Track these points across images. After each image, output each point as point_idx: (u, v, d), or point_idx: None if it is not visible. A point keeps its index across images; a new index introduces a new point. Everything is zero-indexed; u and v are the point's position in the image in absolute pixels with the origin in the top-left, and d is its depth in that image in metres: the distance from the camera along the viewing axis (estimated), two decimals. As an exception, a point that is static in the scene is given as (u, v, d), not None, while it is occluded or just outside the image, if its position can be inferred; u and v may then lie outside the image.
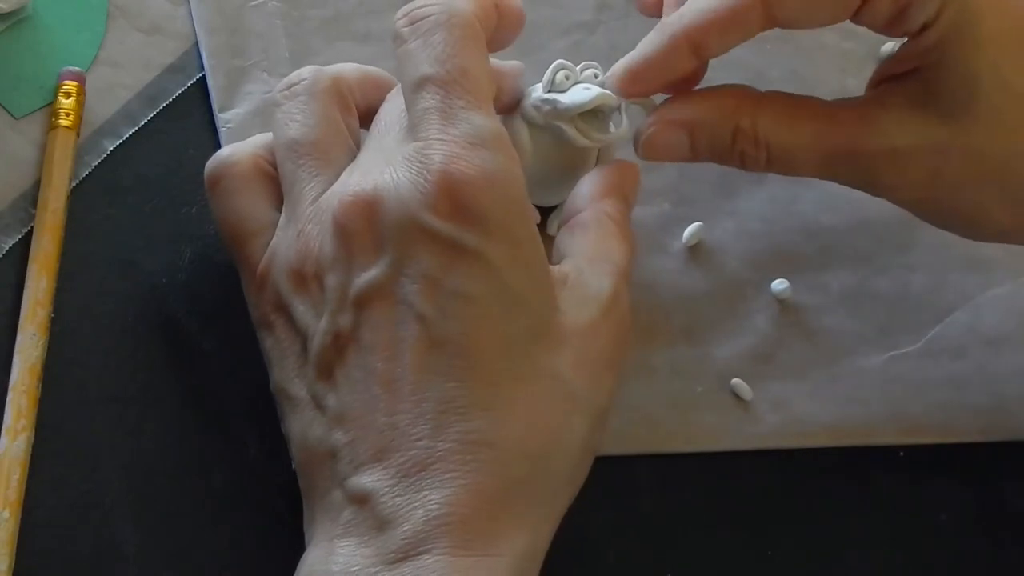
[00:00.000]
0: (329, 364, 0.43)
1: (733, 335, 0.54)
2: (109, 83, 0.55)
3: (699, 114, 0.48)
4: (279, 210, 0.47)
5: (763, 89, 0.50)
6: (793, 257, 0.55)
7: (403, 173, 0.43)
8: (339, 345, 0.43)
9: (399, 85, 0.46)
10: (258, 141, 0.49)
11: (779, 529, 0.52)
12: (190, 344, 0.52)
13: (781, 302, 0.55)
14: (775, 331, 0.54)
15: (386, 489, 0.41)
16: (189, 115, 0.55)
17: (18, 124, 0.54)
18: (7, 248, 0.52)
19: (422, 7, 0.45)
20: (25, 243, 0.52)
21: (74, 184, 0.53)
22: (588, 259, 0.46)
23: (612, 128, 0.50)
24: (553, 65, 0.49)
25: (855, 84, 0.52)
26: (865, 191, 0.50)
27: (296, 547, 0.50)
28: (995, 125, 0.47)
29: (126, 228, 0.53)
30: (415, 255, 0.42)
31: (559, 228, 0.49)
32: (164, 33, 0.56)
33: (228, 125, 0.54)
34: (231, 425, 0.51)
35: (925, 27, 0.46)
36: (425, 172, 0.42)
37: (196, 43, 0.56)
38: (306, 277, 0.44)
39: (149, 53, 0.55)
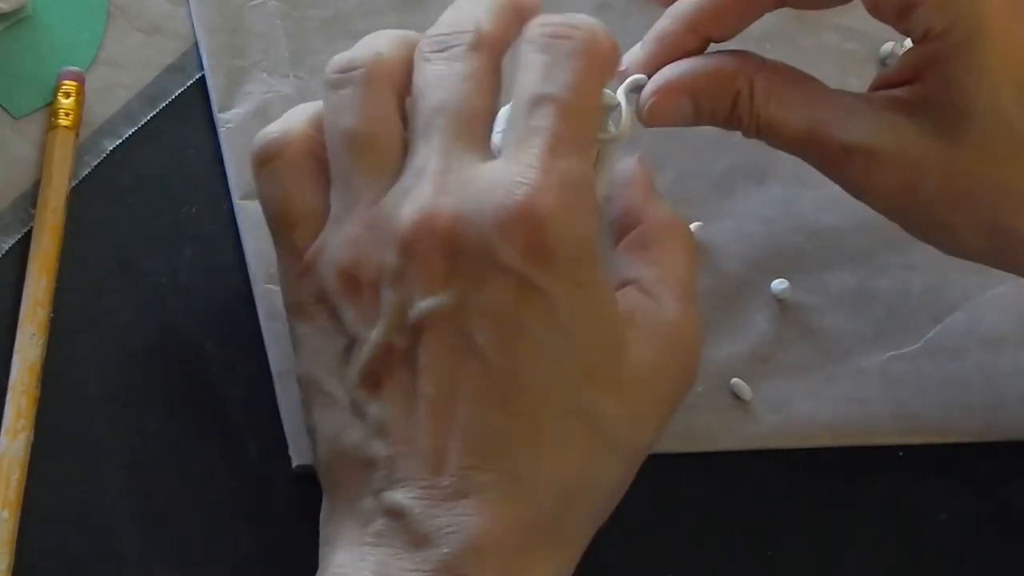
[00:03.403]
0: (377, 375, 0.43)
1: (733, 335, 0.54)
2: (109, 83, 0.55)
3: (701, 82, 0.48)
4: (327, 194, 0.46)
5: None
6: (793, 257, 0.55)
7: (487, 196, 0.42)
8: (390, 360, 0.43)
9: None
10: (307, 116, 0.47)
11: (779, 529, 0.52)
12: (190, 344, 0.52)
13: (781, 302, 0.55)
14: (775, 331, 0.54)
15: (424, 509, 0.41)
16: (189, 115, 0.55)
17: (18, 124, 0.54)
18: (7, 248, 0.52)
19: (569, 27, 0.44)
20: (25, 243, 0.52)
21: (74, 184, 0.53)
22: (656, 281, 0.46)
23: (612, 127, 0.50)
24: None
25: (856, 84, 0.52)
26: (839, 184, 0.49)
27: (296, 547, 0.50)
28: (982, 154, 0.46)
29: (126, 228, 0.53)
30: (484, 286, 0.41)
31: (616, 246, 0.48)
32: (164, 33, 0.56)
33: (228, 125, 0.54)
34: (231, 425, 0.51)
35: (928, 35, 0.46)
36: (512, 201, 0.41)
37: (196, 43, 0.56)
38: (360, 283, 0.43)
39: (149, 53, 0.55)
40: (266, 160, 0.46)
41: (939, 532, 0.53)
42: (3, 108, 0.54)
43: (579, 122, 0.43)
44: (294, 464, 0.51)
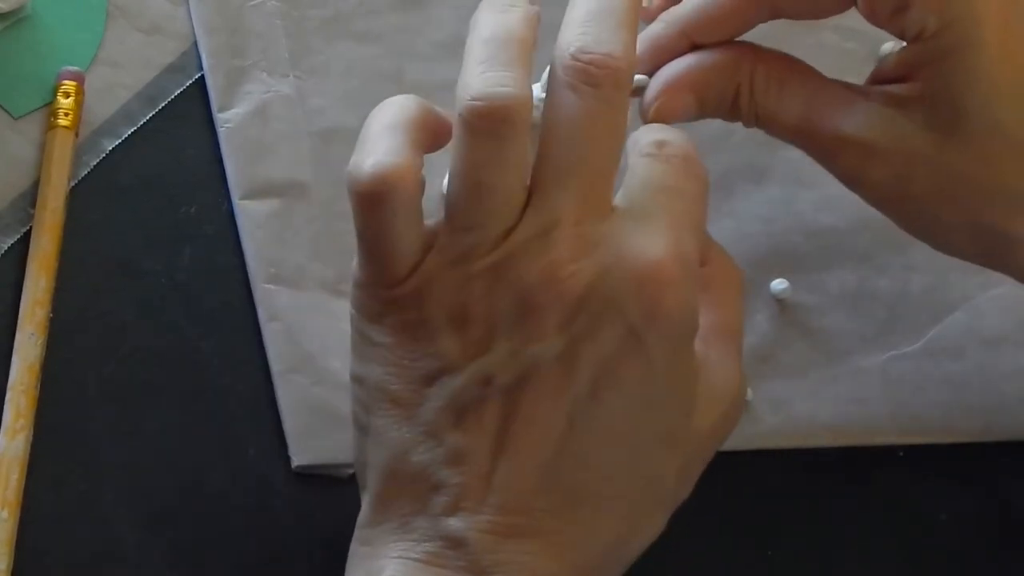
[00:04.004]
0: (465, 407, 0.42)
1: (733, 335, 0.54)
2: (108, 83, 0.55)
3: (704, 77, 0.48)
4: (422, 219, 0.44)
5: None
6: (793, 257, 0.55)
7: (624, 252, 0.42)
8: (485, 395, 0.42)
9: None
10: (409, 139, 0.43)
11: (779, 529, 0.52)
12: (190, 344, 0.52)
13: (781, 302, 0.55)
14: (775, 331, 0.54)
15: (488, 543, 0.41)
16: (188, 115, 0.55)
17: (17, 124, 0.54)
18: (6, 248, 0.52)
19: (693, 162, 0.45)
20: (24, 243, 0.52)
21: (73, 184, 0.53)
22: (714, 330, 0.46)
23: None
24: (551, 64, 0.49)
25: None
26: (834, 175, 0.49)
27: (296, 547, 0.50)
28: (973, 154, 0.46)
29: (125, 228, 0.53)
30: (598, 336, 0.42)
31: None
32: (164, 33, 0.56)
33: (227, 125, 0.54)
34: (231, 425, 0.51)
35: (922, 35, 0.46)
36: (648, 260, 0.42)
37: (196, 43, 0.56)
38: (468, 320, 0.43)
39: (149, 53, 0.55)
40: (378, 196, 0.42)
41: (939, 532, 0.53)
42: (3, 108, 0.54)
43: (701, 219, 0.44)
44: (294, 464, 0.51)
